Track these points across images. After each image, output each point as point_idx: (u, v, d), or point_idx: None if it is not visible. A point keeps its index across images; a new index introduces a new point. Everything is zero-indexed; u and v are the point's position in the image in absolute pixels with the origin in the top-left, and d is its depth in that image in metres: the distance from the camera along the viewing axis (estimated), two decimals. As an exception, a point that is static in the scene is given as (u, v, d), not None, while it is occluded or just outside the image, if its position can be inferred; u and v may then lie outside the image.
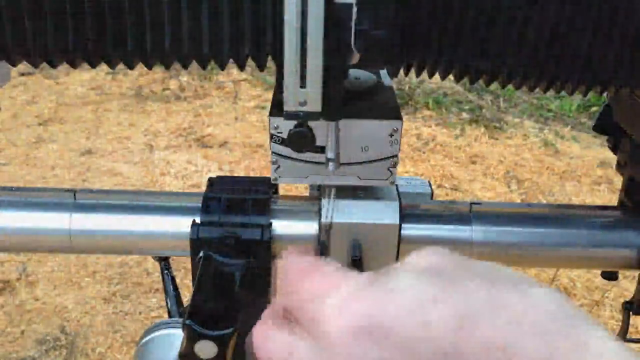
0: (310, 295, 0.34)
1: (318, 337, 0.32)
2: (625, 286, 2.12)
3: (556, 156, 2.96)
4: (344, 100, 0.42)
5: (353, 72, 0.59)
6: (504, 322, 0.29)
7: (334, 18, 0.37)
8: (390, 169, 0.53)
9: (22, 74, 3.57)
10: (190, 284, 0.55)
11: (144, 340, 0.77)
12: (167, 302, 0.97)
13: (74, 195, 0.60)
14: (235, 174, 2.62)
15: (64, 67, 0.50)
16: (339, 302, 0.32)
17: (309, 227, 0.56)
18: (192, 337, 0.44)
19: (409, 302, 0.30)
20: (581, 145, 3.06)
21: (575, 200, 2.62)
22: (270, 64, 0.49)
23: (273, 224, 0.56)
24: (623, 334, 0.67)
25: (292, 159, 0.52)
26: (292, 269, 0.36)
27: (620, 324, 0.68)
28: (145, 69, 0.50)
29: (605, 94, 0.55)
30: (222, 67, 0.49)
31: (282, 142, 0.51)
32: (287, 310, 0.36)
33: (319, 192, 0.60)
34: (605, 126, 0.67)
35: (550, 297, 0.30)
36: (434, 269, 0.32)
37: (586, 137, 3.14)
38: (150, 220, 0.59)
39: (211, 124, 3.13)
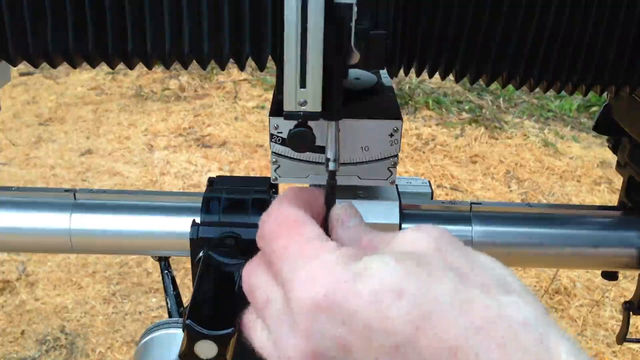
0: (287, 255, 0.34)
1: (289, 298, 0.33)
2: (625, 286, 2.12)
3: (556, 156, 2.96)
4: (344, 100, 0.42)
5: (353, 72, 0.59)
6: (464, 327, 0.29)
7: (334, 18, 0.37)
8: (390, 168, 0.53)
9: (22, 74, 3.57)
10: (190, 284, 0.55)
11: (144, 340, 0.77)
12: (167, 302, 0.97)
13: (74, 195, 0.60)
14: (235, 174, 2.62)
15: (64, 67, 0.50)
16: (311, 273, 0.32)
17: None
18: (192, 337, 0.44)
19: (374, 290, 0.30)
20: (581, 145, 3.06)
21: (575, 200, 2.62)
22: (270, 64, 0.49)
23: (273, 224, 0.56)
24: (623, 334, 0.67)
25: (292, 159, 0.52)
26: (277, 218, 0.36)
27: (620, 324, 0.68)
28: (145, 69, 0.50)
29: (605, 94, 0.55)
30: (222, 67, 0.49)
31: (282, 142, 0.51)
32: (265, 256, 0.36)
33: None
34: (605, 126, 0.67)
35: (521, 308, 0.30)
36: (414, 255, 0.32)
37: (586, 137, 3.14)
38: (150, 220, 0.59)
39: (211, 124, 3.13)
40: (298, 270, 0.32)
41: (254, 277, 0.37)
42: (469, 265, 0.32)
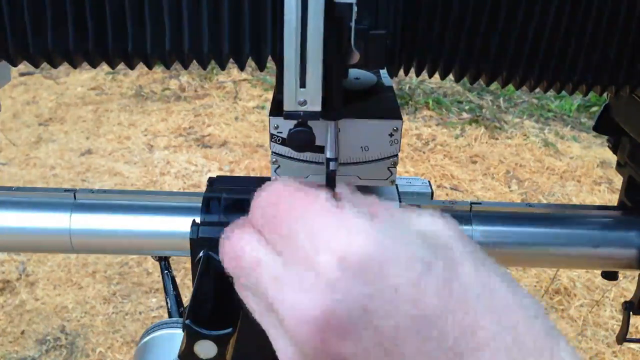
0: (299, 215, 0.31)
1: (298, 257, 0.31)
2: (625, 286, 2.12)
3: (556, 156, 2.96)
4: (344, 100, 0.42)
5: (353, 72, 0.59)
6: (484, 309, 0.30)
7: (334, 18, 0.37)
8: (390, 168, 0.53)
9: (22, 74, 3.57)
10: (190, 284, 0.55)
11: (143, 340, 0.77)
12: (167, 302, 0.97)
13: (74, 195, 0.60)
14: (235, 174, 2.63)
15: (64, 67, 0.50)
16: (337, 229, 0.30)
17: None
18: (192, 337, 0.44)
19: (408, 256, 0.30)
20: (581, 145, 3.06)
21: (576, 200, 2.63)
22: (270, 64, 0.49)
23: (273, 224, 0.56)
24: (623, 334, 0.67)
25: (292, 159, 0.52)
26: (279, 187, 0.34)
27: (620, 324, 0.68)
28: (146, 69, 0.50)
29: (605, 94, 0.55)
30: (222, 66, 0.49)
31: (282, 142, 0.51)
32: (257, 226, 0.34)
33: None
34: (605, 126, 0.67)
35: (531, 300, 0.32)
36: (435, 235, 0.32)
37: (586, 137, 3.14)
38: (150, 220, 0.59)
39: (211, 124, 3.13)
40: (321, 223, 0.30)
41: (243, 239, 0.34)
42: (482, 256, 0.33)
